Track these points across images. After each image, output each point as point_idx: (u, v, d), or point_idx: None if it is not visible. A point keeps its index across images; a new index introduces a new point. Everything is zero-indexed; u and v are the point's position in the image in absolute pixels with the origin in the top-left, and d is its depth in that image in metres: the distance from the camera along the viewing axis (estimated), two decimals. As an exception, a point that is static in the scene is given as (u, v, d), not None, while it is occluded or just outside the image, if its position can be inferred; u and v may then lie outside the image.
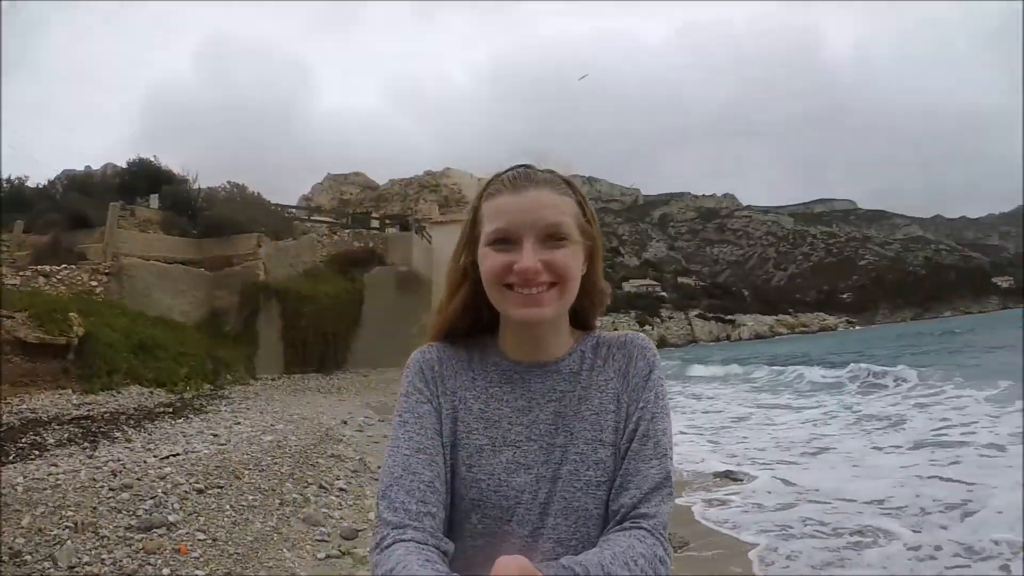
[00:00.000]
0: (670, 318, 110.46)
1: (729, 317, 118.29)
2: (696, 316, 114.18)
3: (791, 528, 4.77)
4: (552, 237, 1.01)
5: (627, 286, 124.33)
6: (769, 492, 5.94)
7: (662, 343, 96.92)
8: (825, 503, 5.38)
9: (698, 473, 7.01)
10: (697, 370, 30.12)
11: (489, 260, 1.02)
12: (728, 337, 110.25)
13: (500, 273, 1.00)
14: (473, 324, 1.14)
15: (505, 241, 1.01)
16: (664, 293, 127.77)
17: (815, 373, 20.94)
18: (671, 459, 1.03)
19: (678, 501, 4.98)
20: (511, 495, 1.01)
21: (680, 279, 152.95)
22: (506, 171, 1.07)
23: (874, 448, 7.91)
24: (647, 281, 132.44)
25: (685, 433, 9.97)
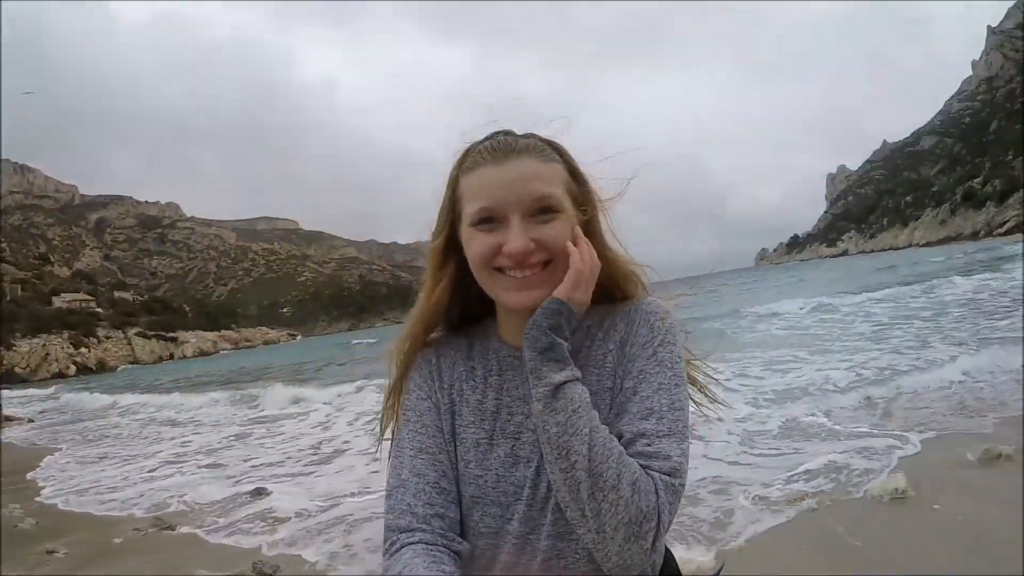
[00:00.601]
0: (108, 338, 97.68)
1: (171, 335, 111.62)
2: (136, 335, 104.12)
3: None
4: (541, 211, 0.92)
5: (58, 301, 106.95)
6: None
7: (103, 367, 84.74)
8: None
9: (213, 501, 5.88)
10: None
11: (475, 242, 0.93)
12: (172, 356, 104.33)
13: (488, 256, 0.92)
14: (465, 309, 1.07)
15: (490, 220, 0.92)
16: (100, 309, 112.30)
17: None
18: (680, 435, 0.88)
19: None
20: (510, 491, 0.93)
21: (117, 293, 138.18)
22: (483, 140, 0.98)
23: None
24: (80, 296, 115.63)
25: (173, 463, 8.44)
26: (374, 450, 1.10)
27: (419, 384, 1.03)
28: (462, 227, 0.96)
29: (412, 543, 0.88)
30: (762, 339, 14.10)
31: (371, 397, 11.95)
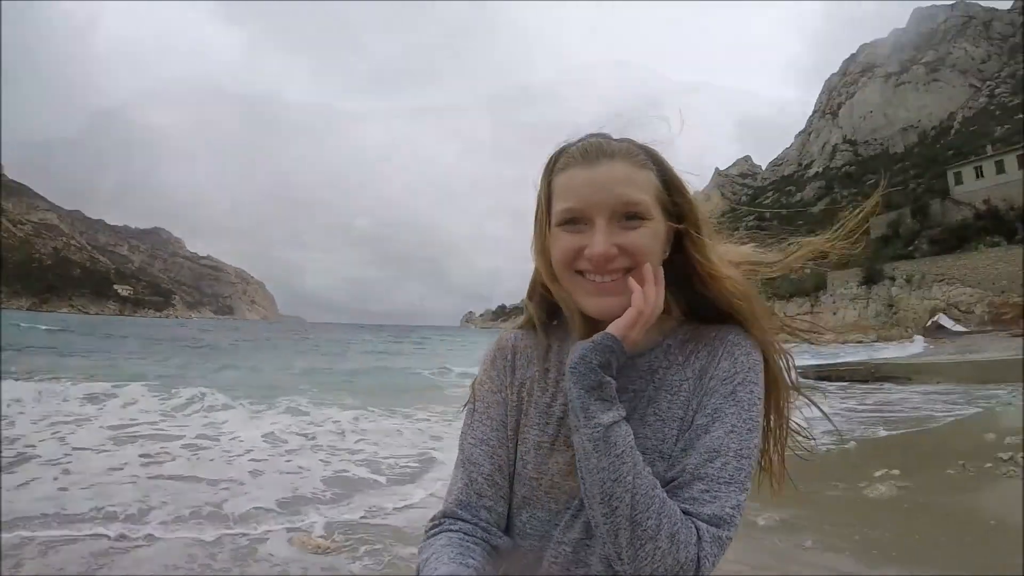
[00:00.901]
0: None
1: None
2: None
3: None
4: (627, 216, 0.90)
5: None
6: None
7: None
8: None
9: None
10: None
11: (559, 243, 0.93)
12: None
13: (570, 258, 0.92)
14: (553, 309, 1.05)
15: (576, 221, 0.92)
16: None
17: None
18: (740, 484, 0.85)
19: None
20: (562, 499, 0.93)
21: None
22: (577, 141, 0.97)
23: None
24: None
25: None
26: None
27: (492, 377, 1.03)
28: (551, 227, 0.95)
29: (451, 530, 0.90)
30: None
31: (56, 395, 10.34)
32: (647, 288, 0.90)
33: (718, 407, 0.89)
